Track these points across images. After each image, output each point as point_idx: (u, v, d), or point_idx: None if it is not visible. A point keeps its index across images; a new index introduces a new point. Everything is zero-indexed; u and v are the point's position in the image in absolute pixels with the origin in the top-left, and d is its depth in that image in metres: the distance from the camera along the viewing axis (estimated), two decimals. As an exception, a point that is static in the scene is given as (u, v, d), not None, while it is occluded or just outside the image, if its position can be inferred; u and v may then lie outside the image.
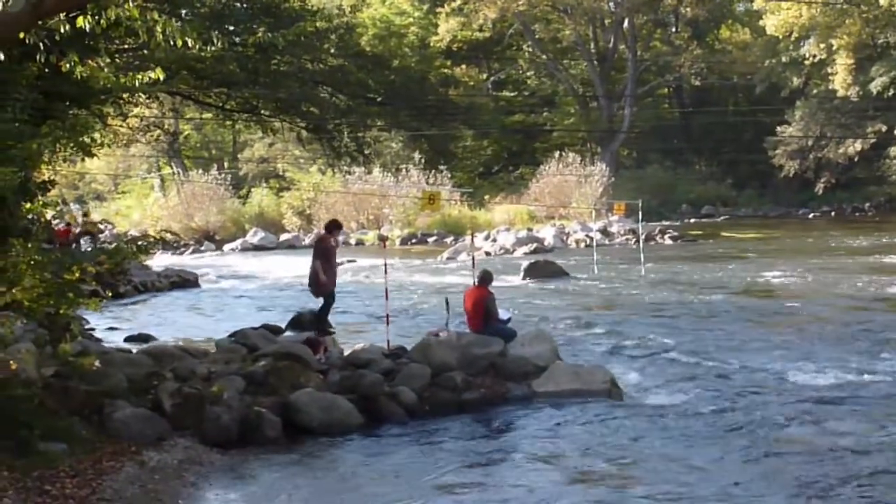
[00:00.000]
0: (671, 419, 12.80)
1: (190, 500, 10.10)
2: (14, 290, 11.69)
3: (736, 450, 11.36)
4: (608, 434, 12.20)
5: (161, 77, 10.64)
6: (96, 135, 17.43)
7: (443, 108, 59.74)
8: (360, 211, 59.00)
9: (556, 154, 62.50)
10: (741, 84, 76.46)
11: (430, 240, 53.02)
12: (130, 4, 8.86)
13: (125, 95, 22.79)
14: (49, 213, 15.09)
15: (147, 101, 28.68)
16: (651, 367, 16.25)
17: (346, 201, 58.30)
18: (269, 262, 44.10)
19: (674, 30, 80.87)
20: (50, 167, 17.10)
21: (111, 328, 22.14)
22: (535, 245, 44.52)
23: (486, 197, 62.01)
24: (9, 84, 12.77)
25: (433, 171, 59.95)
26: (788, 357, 16.65)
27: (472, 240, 27.72)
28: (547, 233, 49.00)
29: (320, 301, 17.84)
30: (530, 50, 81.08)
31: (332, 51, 31.51)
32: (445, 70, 76.36)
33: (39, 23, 8.73)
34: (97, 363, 13.68)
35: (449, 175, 62.06)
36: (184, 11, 23.68)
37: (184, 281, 33.82)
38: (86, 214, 45.17)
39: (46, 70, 12.37)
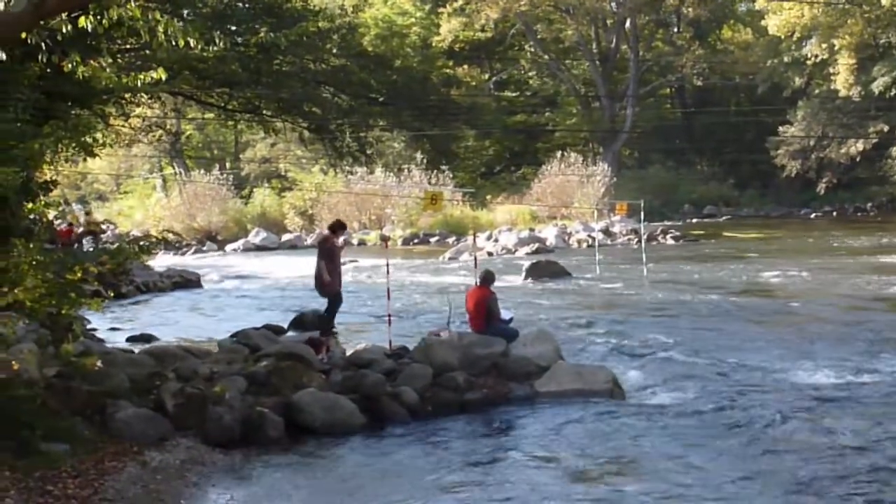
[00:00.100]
0: (673, 419, 12.79)
1: (192, 500, 10.10)
2: (16, 291, 11.68)
3: (736, 449, 11.38)
4: (610, 434, 12.19)
5: (163, 77, 10.64)
6: (98, 135, 17.41)
7: (445, 108, 59.74)
8: (362, 211, 58.98)
9: (558, 154, 62.46)
10: (743, 84, 76.47)
11: (433, 240, 53.03)
12: (132, 4, 8.87)
13: (127, 95, 22.82)
14: (51, 214, 15.10)
15: (149, 101, 28.72)
16: (653, 367, 16.22)
17: (348, 201, 58.29)
18: (271, 263, 44.09)
19: (676, 30, 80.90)
20: (52, 167, 17.09)
21: (113, 328, 22.12)
22: (536, 245, 44.51)
23: (488, 197, 62.00)
24: (11, 84, 12.78)
25: (435, 171, 59.95)
26: (789, 356, 16.64)
27: (474, 240, 27.80)
28: (549, 233, 48.99)
29: (324, 301, 17.85)
30: (532, 50, 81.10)
31: (335, 51, 31.54)
32: (447, 70, 76.36)
33: (41, 23, 8.74)
34: (99, 363, 13.67)
35: (451, 175, 62.07)
36: (186, 11, 23.72)
37: (186, 281, 33.80)
38: (88, 214, 45.25)
39: (48, 70, 12.39)
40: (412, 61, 64.58)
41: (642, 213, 37.56)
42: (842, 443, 11.40)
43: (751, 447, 11.42)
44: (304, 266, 37.06)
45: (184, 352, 15.98)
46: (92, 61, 12.07)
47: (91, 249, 28.72)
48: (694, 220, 64.35)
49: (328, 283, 17.29)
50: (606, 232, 49.01)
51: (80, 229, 38.98)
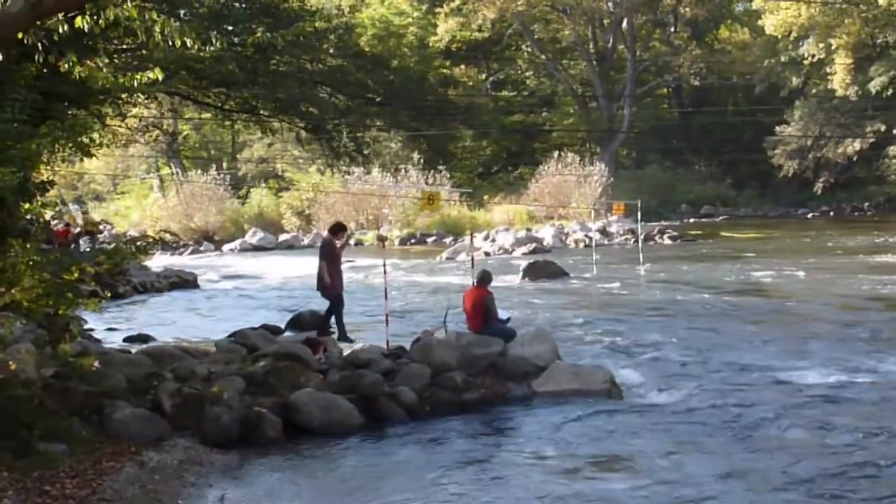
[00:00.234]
0: (671, 418, 12.81)
1: (190, 500, 10.10)
2: (13, 291, 11.67)
3: (733, 448, 11.42)
4: (608, 433, 12.20)
5: (160, 77, 10.62)
6: (95, 135, 17.40)
7: (442, 108, 59.81)
8: (359, 211, 58.96)
9: (556, 154, 62.50)
10: (740, 84, 76.50)
11: (430, 240, 53.03)
12: (129, 4, 8.86)
13: (124, 96, 22.78)
14: (48, 214, 15.07)
15: (146, 101, 28.67)
16: (650, 367, 16.24)
17: (345, 201, 58.28)
18: (269, 263, 44.10)
19: (673, 30, 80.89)
20: (49, 167, 17.10)
21: (110, 328, 22.11)
22: (534, 245, 44.52)
23: (486, 197, 62.03)
24: (7, 84, 12.77)
25: (432, 171, 59.96)
26: (785, 356, 16.70)
27: (472, 240, 27.66)
28: (546, 233, 48.99)
29: (323, 301, 17.85)
30: (529, 50, 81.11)
31: (332, 51, 31.53)
32: (444, 70, 76.39)
33: (38, 23, 8.72)
34: (97, 363, 13.67)
35: (448, 175, 62.06)
36: (182, 11, 23.71)
37: (183, 281, 33.79)
38: (85, 213, 45.22)
39: (45, 70, 12.37)
40: (409, 61, 64.63)
41: (639, 213, 37.60)
42: (835, 441, 11.48)
43: (747, 446, 11.46)
44: (302, 266, 37.12)
45: (181, 352, 15.97)
46: (88, 61, 12.07)
47: (88, 250, 28.69)
48: (691, 220, 64.37)
49: (329, 284, 17.32)
50: (603, 232, 49.03)
51: (77, 229, 38.94)
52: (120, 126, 29.35)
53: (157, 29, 8.85)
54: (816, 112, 66.01)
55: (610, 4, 76.61)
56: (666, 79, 79.52)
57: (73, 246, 33.19)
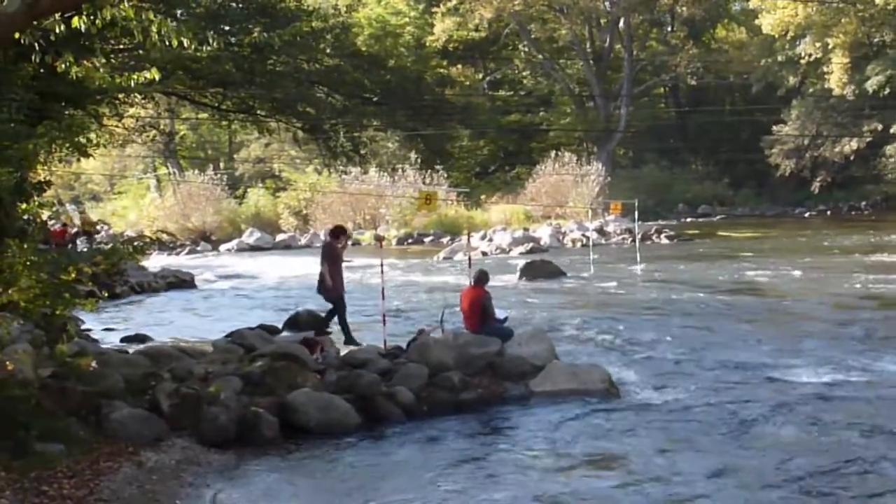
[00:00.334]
0: (667, 417, 12.84)
1: (188, 500, 10.09)
2: (10, 291, 11.67)
3: (729, 446, 11.46)
4: (605, 433, 12.22)
5: (157, 77, 10.63)
6: (92, 135, 17.41)
7: (439, 107, 59.86)
8: (356, 211, 58.96)
9: (553, 154, 62.49)
10: (737, 83, 76.55)
11: (427, 240, 53.03)
12: (126, 4, 8.87)
13: (121, 96, 22.81)
14: (45, 214, 15.07)
15: (143, 101, 28.71)
16: (647, 366, 16.26)
17: (342, 201, 58.28)
18: (266, 263, 44.07)
19: (670, 29, 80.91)
20: (46, 168, 17.10)
21: (108, 329, 22.09)
22: (531, 245, 44.55)
23: (483, 197, 61.98)
24: (4, 84, 12.77)
25: (429, 170, 59.96)
26: (780, 355, 16.76)
27: (469, 240, 27.75)
28: (543, 232, 49.01)
29: (321, 301, 17.85)
30: (526, 50, 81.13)
31: (328, 51, 31.54)
32: (441, 70, 76.41)
33: (35, 23, 8.72)
34: (94, 364, 13.66)
35: (445, 175, 62.07)
36: (179, 11, 23.74)
37: (180, 281, 33.78)
38: (83, 213, 45.20)
39: (42, 70, 12.39)
40: (406, 61, 64.59)
41: (636, 213, 37.62)
42: (828, 439, 11.55)
43: (742, 444, 11.52)
44: (299, 266, 37.14)
45: (179, 352, 15.96)
46: (85, 61, 12.03)
47: (85, 250, 28.66)
48: (688, 220, 64.37)
49: (331, 286, 17.34)
50: (601, 231, 49.08)
51: (75, 230, 38.93)
52: (117, 126, 29.37)
53: (154, 29, 8.86)
54: (813, 111, 66.06)
55: (607, 4, 76.65)
56: (663, 78, 79.55)
57: (70, 246, 33.16)
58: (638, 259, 32.29)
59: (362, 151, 37.18)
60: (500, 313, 16.54)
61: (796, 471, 10.36)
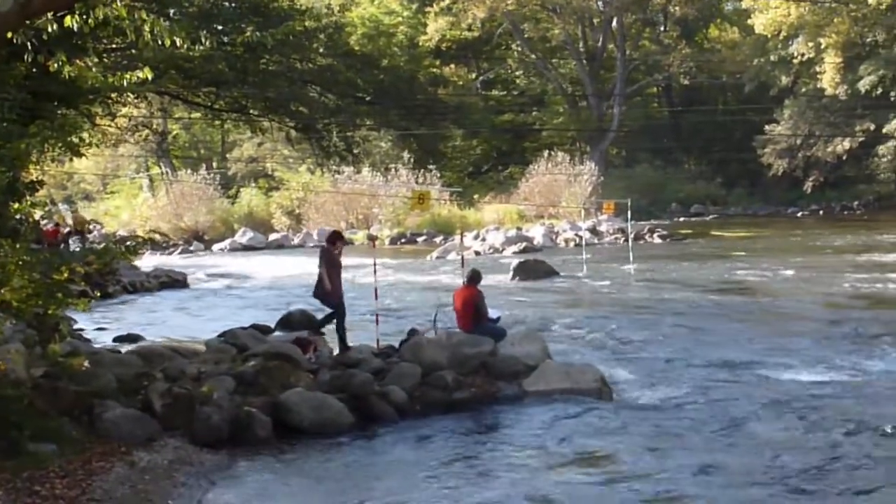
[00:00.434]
0: (659, 416, 12.89)
1: (180, 500, 10.08)
2: (3, 291, 11.64)
3: (719, 444, 11.56)
4: (598, 432, 12.24)
5: (149, 76, 10.62)
6: (84, 134, 17.39)
7: (432, 107, 59.78)
8: (349, 210, 58.94)
9: (546, 153, 62.41)
10: (730, 83, 76.54)
11: (420, 239, 53.01)
12: (118, 4, 8.85)
13: (113, 95, 22.75)
14: (37, 214, 15.05)
15: (135, 100, 28.63)
16: (640, 366, 16.30)
17: (335, 201, 58.27)
18: (258, 262, 44.06)
19: (663, 29, 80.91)
20: (38, 167, 17.04)
21: (100, 328, 22.09)
22: (524, 244, 44.53)
23: (476, 196, 61.94)
24: (-3, 84, 12.74)
25: (422, 170, 59.90)
26: (771, 354, 16.90)
27: (462, 239, 27.77)
28: (536, 232, 49.00)
29: (317, 303, 17.82)
30: (519, 49, 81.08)
31: (321, 50, 31.47)
32: (434, 69, 76.33)
33: (27, 22, 8.70)
34: (86, 363, 13.66)
35: (438, 174, 62.04)
36: (172, 11, 23.65)
37: (173, 281, 33.77)
38: (75, 212, 45.18)
39: (34, 70, 12.34)
40: (399, 60, 64.50)
41: (629, 212, 37.61)
42: (817, 437, 11.64)
43: (732, 442, 11.62)
44: (292, 265, 37.15)
45: (171, 352, 15.96)
46: (78, 61, 12.02)
47: (78, 249, 28.63)
48: (681, 219, 64.37)
49: (330, 291, 17.29)
50: (594, 231, 49.06)
51: (67, 229, 38.89)
52: (109, 125, 29.30)
53: (147, 28, 8.83)
54: (806, 111, 66.09)
55: (600, 3, 76.58)
56: (656, 78, 79.53)
57: (62, 246, 33.14)
58: (631, 259, 32.31)
59: (355, 151, 37.08)
60: (493, 313, 16.55)
61: (785, 468, 10.44)
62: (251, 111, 29.63)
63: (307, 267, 18.36)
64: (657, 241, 47.02)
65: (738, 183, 73.11)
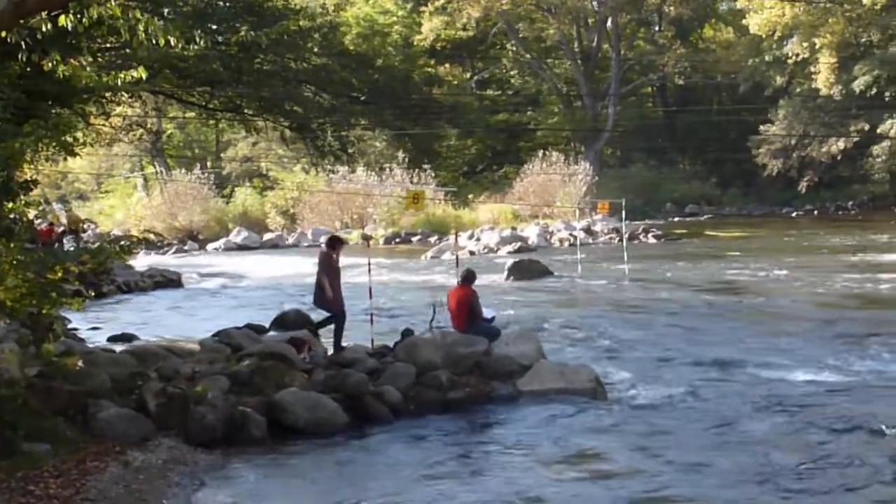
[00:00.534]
0: (653, 415, 12.91)
1: (175, 500, 10.07)
2: (-3, 290, 11.64)
3: (712, 444, 11.58)
4: (593, 432, 12.25)
5: (144, 76, 10.61)
6: (79, 134, 17.38)
7: (427, 107, 59.78)
8: (343, 210, 58.95)
9: (541, 153, 62.41)
10: (725, 83, 76.66)
11: (415, 239, 53.02)
12: (112, 3, 8.83)
13: (108, 94, 22.73)
14: (31, 213, 15.02)
15: (130, 100, 28.62)
16: (634, 365, 16.30)
17: (330, 200, 58.27)
18: (253, 262, 44.03)
19: (657, 29, 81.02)
20: (32, 166, 17.00)
21: (94, 328, 22.04)
22: (519, 244, 44.58)
23: (471, 196, 61.94)
24: (-9, 83, 12.72)
25: (417, 170, 59.91)
26: (765, 353, 16.94)
27: (456, 239, 27.74)
28: (531, 232, 49.04)
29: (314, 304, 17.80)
30: (514, 49, 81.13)
31: (316, 49, 31.49)
32: (429, 69, 76.42)
33: (21, 21, 8.68)
34: (81, 363, 13.64)
35: (433, 174, 62.05)
36: (166, 10, 23.66)
37: (167, 281, 33.72)
38: (69, 211, 45.16)
39: (28, 69, 12.34)
40: (394, 60, 64.51)
41: (624, 212, 37.64)
42: (809, 436, 11.68)
43: (725, 441, 11.65)
44: (286, 265, 37.15)
45: (166, 351, 15.92)
46: (72, 60, 11.98)
47: (72, 249, 28.61)
48: (676, 219, 64.46)
49: (332, 297, 17.23)
50: (588, 231, 49.13)
51: (61, 228, 38.86)
52: (104, 125, 29.33)
53: (141, 27, 8.82)
54: (801, 111, 66.19)
55: (594, 3, 76.70)
56: (650, 78, 79.63)
57: (56, 245, 33.08)
58: (625, 258, 32.32)
59: (350, 150, 37.13)
60: (487, 312, 16.53)
61: (777, 467, 10.48)
62: (246, 111, 29.64)
63: (302, 267, 18.36)
64: (652, 241, 47.06)
65: (732, 183, 73.23)
